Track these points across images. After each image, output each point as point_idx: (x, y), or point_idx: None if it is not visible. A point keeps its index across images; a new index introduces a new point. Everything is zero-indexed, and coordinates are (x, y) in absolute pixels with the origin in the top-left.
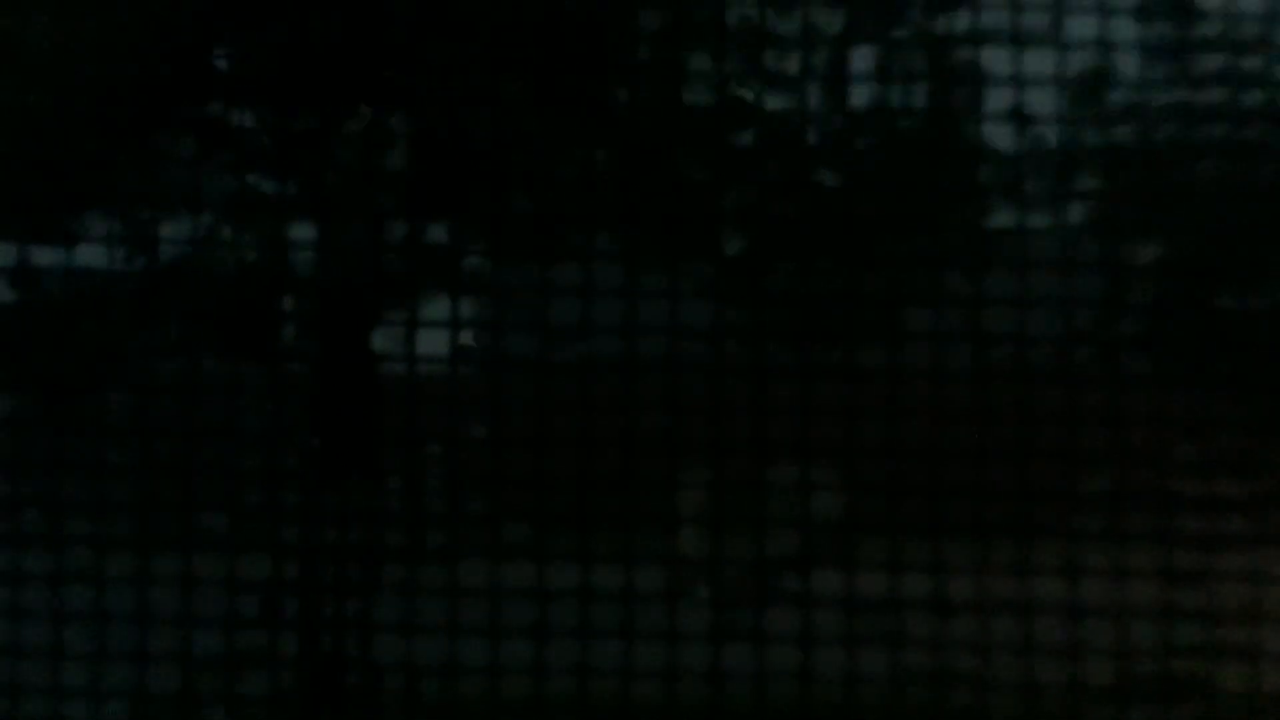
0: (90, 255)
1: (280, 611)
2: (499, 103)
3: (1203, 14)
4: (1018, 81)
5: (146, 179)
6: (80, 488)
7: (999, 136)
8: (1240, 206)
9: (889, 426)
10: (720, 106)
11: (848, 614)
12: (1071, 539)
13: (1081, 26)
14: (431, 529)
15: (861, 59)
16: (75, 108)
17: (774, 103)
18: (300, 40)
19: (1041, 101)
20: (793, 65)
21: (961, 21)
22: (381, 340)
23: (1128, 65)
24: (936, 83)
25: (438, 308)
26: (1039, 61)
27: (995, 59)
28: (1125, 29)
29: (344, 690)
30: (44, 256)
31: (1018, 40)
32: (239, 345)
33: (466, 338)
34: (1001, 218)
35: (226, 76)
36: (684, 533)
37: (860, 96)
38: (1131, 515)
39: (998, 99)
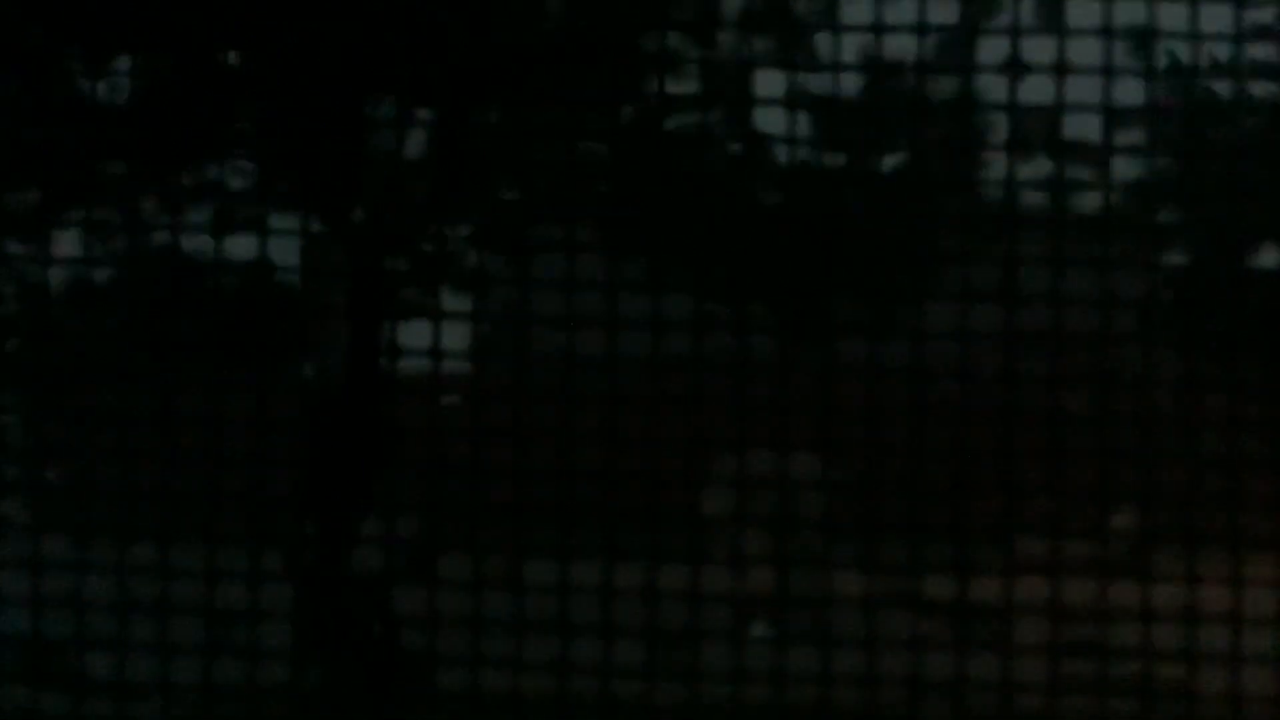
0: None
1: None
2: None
3: None
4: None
5: (156, 175)
6: (103, 480)
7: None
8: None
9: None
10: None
11: None
12: None
13: None
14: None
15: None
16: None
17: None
18: (312, 37)
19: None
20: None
21: None
22: (391, 335)
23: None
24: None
25: (446, 303)
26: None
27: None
28: None
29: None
30: (61, 249)
31: None
32: (252, 341)
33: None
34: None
35: (238, 72)
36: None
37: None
38: None
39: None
